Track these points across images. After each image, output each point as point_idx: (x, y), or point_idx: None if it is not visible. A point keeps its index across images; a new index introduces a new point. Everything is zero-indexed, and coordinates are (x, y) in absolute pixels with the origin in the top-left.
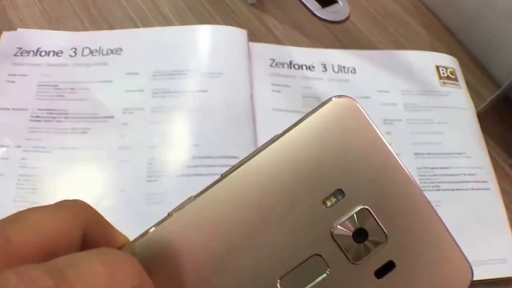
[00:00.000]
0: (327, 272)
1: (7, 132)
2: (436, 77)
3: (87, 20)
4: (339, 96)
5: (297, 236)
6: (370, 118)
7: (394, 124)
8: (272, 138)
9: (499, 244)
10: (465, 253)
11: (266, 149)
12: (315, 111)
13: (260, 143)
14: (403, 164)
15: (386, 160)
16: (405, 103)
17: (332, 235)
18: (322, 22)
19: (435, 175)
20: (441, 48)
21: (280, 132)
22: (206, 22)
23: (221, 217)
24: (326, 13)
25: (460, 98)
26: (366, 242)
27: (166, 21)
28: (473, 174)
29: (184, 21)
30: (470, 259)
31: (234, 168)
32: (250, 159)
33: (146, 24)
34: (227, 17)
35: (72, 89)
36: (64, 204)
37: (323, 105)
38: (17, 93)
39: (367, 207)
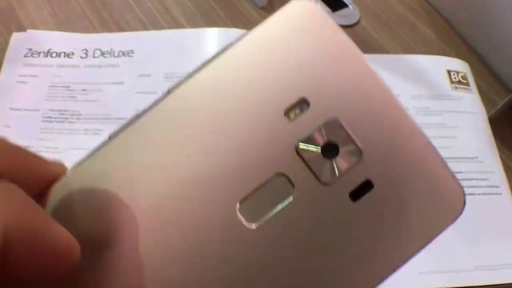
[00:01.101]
0: (294, 194)
1: (19, 132)
2: (448, 81)
3: (96, 22)
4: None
5: (257, 153)
6: (335, 22)
7: None
8: (225, 46)
9: (511, 249)
10: (476, 252)
11: (218, 58)
12: (271, 16)
13: None
14: (375, 71)
15: (357, 65)
16: (416, 108)
17: (297, 151)
18: None
19: None
20: (452, 52)
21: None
22: (216, 25)
23: (168, 138)
24: (336, 17)
25: (472, 102)
26: (337, 158)
27: (176, 24)
28: (485, 179)
29: (194, 24)
30: (482, 263)
31: (183, 80)
32: (201, 69)
33: (156, 26)
34: (237, 20)
35: (84, 90)
36: None
37: (281, 9)
38: (28, 94)
39: (337, 117)
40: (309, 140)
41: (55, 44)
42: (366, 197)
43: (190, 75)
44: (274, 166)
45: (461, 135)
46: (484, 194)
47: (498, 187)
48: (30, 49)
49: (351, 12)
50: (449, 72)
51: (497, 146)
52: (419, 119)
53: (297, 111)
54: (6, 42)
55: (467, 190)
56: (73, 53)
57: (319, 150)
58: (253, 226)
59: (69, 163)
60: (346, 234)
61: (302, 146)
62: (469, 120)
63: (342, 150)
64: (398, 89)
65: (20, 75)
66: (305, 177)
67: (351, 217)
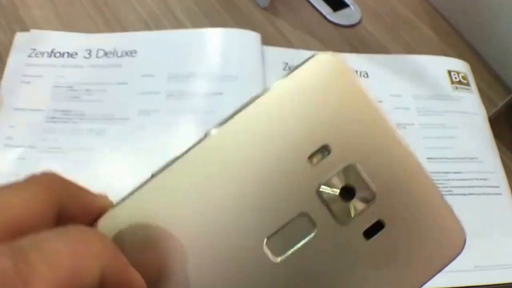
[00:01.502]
0: (315, 232)
1: (23, 132)
2: (448, 81)
3: (100, 22)
4: (323, 53)
5: (283, 195)
6: (356, 75)
7: (407, 129)
8: (253, 96)
9: (511, 248)
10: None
11: (248, 107)
12: (297, 68)
13: None
14: (391, 122)
15: (374, 117)
16: (417, 108)
17: (318, 193)
18: (334, 26)
19: (448, 180)
20: (452, 52)
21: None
22: (218, 25)
23: (205, 179)
24: (337, 17)
25: (472, 102)
26: (353, 200)
27: (179, 24)
28: (485, 179)
29: (197, 25)
30: (482, 263)
31: (215, 127)
32: (231, 118)
33: (159, 27)
34: (239, 21)
35: (88, 90)
36: (32, 180)
37: (306, 62)
38: (32, 94)
39: (354, 164)
40: (329, 183)
41: (58, 44)
42: (378, 235)
43: (223, 122)
44: (298, 207)
45: (461, 135)
46: (484, 194)
47: (498, 187)
48: (34, 49)
49: (352, 12)
50: (449, 72)
51: (497, 146)
52: (420, 119)
53: (319, 156)
54: (10, 42)
55: (466, 191)
56: (76, 53)
57: (338, 193)
58: (278, 259)
59: (72, 163)
60: (359, 268)
61: (322, 189)
62: (469, 120)
63: (358, 193)
64: (399, 89)
65: (24, 75)
66: (325, 217)
67: (364, 253)
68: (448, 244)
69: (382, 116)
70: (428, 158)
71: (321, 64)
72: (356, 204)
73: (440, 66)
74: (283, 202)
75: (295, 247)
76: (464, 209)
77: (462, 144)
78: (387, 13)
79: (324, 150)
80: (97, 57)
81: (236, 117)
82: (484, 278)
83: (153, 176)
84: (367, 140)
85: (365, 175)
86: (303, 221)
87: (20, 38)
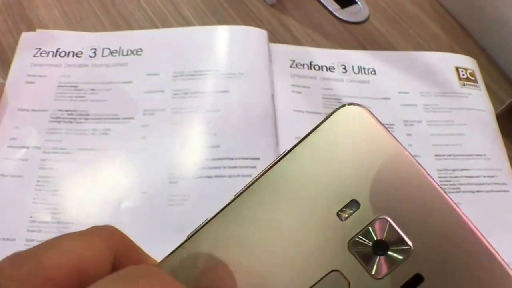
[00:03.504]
0: None
1: (27, 133)
2: (456, 78)
3: (106, 21)
4: (349, 104)
5: (314, 252)
6: (382, 124)
7: (414, 126)
8: (282, 153)
9: None
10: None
11: (277, 164)
12: (325, 121)
13: (281, 144)
14: (422, 168)
15: (403, 165)
16: (425, 105)
17: (349, 248)
18: (342, 23)
19: (456, 177)
20: (459, 49)
21: (290, 146)
22: (225, 23)
23: (238, 237)
24: (345, 14)
25: (480, 99)
26: (388, 254)
27: (185, 22)
28: (492, 176)
29: (203, 22)
30: None
31: (247, 186)
32: (261, 176)
33: (166, 25)
34: (246, 18)
35: (92, 90)
36: (95, 230)
37: (333, 114)
38: (36, 94)
39: (385, 217)
40: (360, 238)
41: (64, 43)
42: None
43: (253, 181)
44: (330, 263)
45: (469, 132)
46: (492, 191)
47: (506, 184)
48: (39, 49)
49: (360, 9)
50: (457, 69)
51: (505, 143)
52: (428, 116)
53: (349, 211)
54: (16, 42)
55: (474, 188)
56: (81, 52)
57: (370, 247)
58: None
59: (77, 163)
60: None
61: (353, 244)
62: (476, 117)
63: (391, 246)
64: (406, 86)
65: (29, 75)
66: (358, 273)
67: None
68: None
69: (413, 164)
70: (436, 155)
71: (346, 117)
72: (391, 258)
73: (448, 63)
74: (315, 260)
75: None
76: (472, 206)
77: (469, 141)
78: (395, 10)
79: (353, 205)
80: (102, 56)
81: (264, 176)
82: None
83: (188, 238)
84: (398, 191)
85: (397, 227)
86: (336, 277)
87: (25, 37)
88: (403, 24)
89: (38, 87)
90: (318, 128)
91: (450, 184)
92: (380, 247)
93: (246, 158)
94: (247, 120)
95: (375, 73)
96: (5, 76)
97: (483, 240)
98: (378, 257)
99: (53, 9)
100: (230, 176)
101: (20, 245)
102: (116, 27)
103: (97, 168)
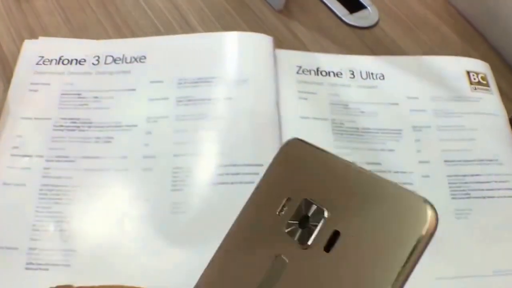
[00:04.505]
0: (287, 266)
1: (30, 141)
2: (467, 82)
3: (110, 28)
4: (287, 141)
5: (264, 247)
6: (316, 147)
7: (423, 131)
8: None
9: None
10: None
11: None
12: (274, 159)
13: None
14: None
15: (320, 160)
16: (434, 110)
17: (286, 234)
18: (350, 28)
19: (466, 183)
20: (473, 53)
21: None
22: (231, 29)
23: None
24: (354, 19)
25: (492, 104)
26: (310, 224)
27: (190, 29)
28: (504, 181)
29: (209, 29)
30: (501, 268)
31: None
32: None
33: (170, 31)
34: (253, 24)
35: (96, 97)
36: None
37: (278, 151)
38: (39, 102)
39: (305, 198)
40: (290, 222)
41: (66, 51)
42: (337, 244)
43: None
44: (274, 251)
45: (480, 137)
46: (504, 197)
47: None
48: (42, 57)
49: (369, 13)
50: (468, 73)
51: None
52: (437, 121)
53: (285, 208)
54: (18, 50)
55: (485, 193)
56: (84, 60)
57: (297, 225)
58: None
59: (80, 172)
60: (334, 278)
61: (287, 227)
62: (488, 121)
63: (311, 216)
64: (416, 91)
65: (32, 83)
66: (293, 249)
67: (330, 265)
68: (412, 222)
69: (329, 155)
70: (446, 161)
71: (288, 151)
72: (312, 226)
73: (458, 67)
74: (264, 253)
75: (275, 286)
76: (483, 212)
77: (481, 146)
78: (405, 13)
79: (288, 201)
80: (105, 63)
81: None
82: (502, 283)
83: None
84: (314, 177)
85: (314, 203)
86: (280, 261)
87: (28, 45)
88: (414, 29)
89: (41, 95)
90: (270, 164)
91: (460, 190)
92: (304, 222)
93: (250, 165)
94: (251, 127)
95: (383, 78)
96: (7, 84)
97: (381, 178)
98: (302, 230)
99: (56, 17)
100: (233, 183)
101: (23, 254)
102: (119, 34)
103: (100, 176)
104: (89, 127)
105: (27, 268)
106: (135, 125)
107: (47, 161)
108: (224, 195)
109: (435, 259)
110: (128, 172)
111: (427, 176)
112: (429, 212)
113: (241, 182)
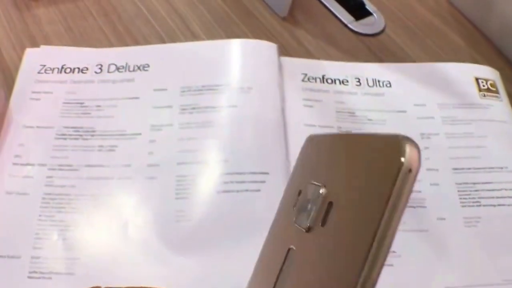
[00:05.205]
0: (296, 254)
1: (32, 150)
2: (476, 89)
3: (112, 36)
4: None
5: (279, 244)
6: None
7: (431, 139)
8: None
9: None
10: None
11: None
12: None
13: (291, 158)
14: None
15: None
16: (442, 117)
17: (294, 223)
18: (356, 35)
19: (476, 191)
20: (482, 60)
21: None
22: (235, 36)
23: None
24: (360, 26)
25: (502, 110)
26: (310, 205)
27: (194, 37)
28: None
29: (213, 36)
30: (510, 276)
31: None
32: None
33: (173, 40)
34: (257, 32)
35: (98, 106)
36: None
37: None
38: (42, 110)
39: (310, 182)
40: (296, 209)
41: (69, 59)
42: (330, 215)
43: None
44: (288, 244)
45: (489, 144)
46: None
47: None
48: (44, 65)
49: (375, 20)
50: (477, 79)
51: None
52: (445, 129)
53: (297, 200)
54: (20, 58)
55: (496, 201)
56: (87, 68)
57: (302, 210)
58: None
59: (83, 181)
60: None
61: (295, 217)
62: (498, 128)
63: (311, 198)
64: (423, 98)
65: (33, 92)
66: (299, 235)
67: (326, 239)
68: (390, 159)
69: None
70: (454, 169)
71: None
72: (312, 207)
73: (467, 74)
74: (281, 245)
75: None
76: (493, 220)
77: (490, 153)
78: (412, 20)
79: (300, 193)
80: (108, 72)
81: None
82: None
83: None
84: (317, 163)
85: (316, 183)
86: (292, 252)
87: (29, 54)
88: (421, 35)
89: (43, 103)
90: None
91: (470, 198)
92: (306, 206)
93: (255, 173)
94: (256, 135)
95: (390, 86)
96: (9, 93)
97: (364, 133)
98: (304, 214)
99: (58, 25)
100: (238, 191)
101: (26, 263)
102: (122, 42)
103: (104, 185)
104: (92, 135)
105: (30, 277)
106: (139, 134)
107: (50, 169)
108: (229, 204)
109: (444, 267)
110: (132, 181)
111: (436, 184)
112: (407, 145)
113: (246, 190)
